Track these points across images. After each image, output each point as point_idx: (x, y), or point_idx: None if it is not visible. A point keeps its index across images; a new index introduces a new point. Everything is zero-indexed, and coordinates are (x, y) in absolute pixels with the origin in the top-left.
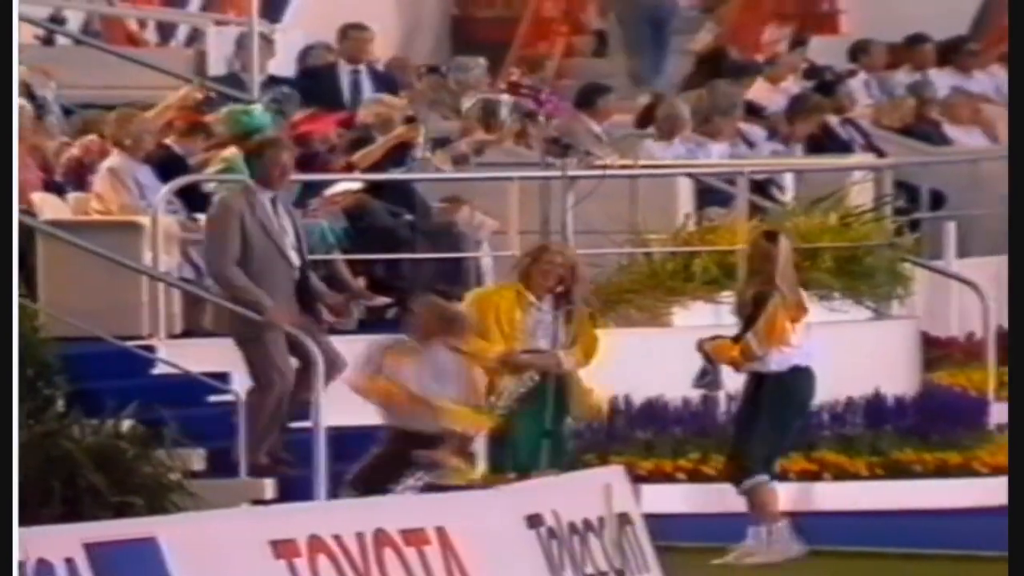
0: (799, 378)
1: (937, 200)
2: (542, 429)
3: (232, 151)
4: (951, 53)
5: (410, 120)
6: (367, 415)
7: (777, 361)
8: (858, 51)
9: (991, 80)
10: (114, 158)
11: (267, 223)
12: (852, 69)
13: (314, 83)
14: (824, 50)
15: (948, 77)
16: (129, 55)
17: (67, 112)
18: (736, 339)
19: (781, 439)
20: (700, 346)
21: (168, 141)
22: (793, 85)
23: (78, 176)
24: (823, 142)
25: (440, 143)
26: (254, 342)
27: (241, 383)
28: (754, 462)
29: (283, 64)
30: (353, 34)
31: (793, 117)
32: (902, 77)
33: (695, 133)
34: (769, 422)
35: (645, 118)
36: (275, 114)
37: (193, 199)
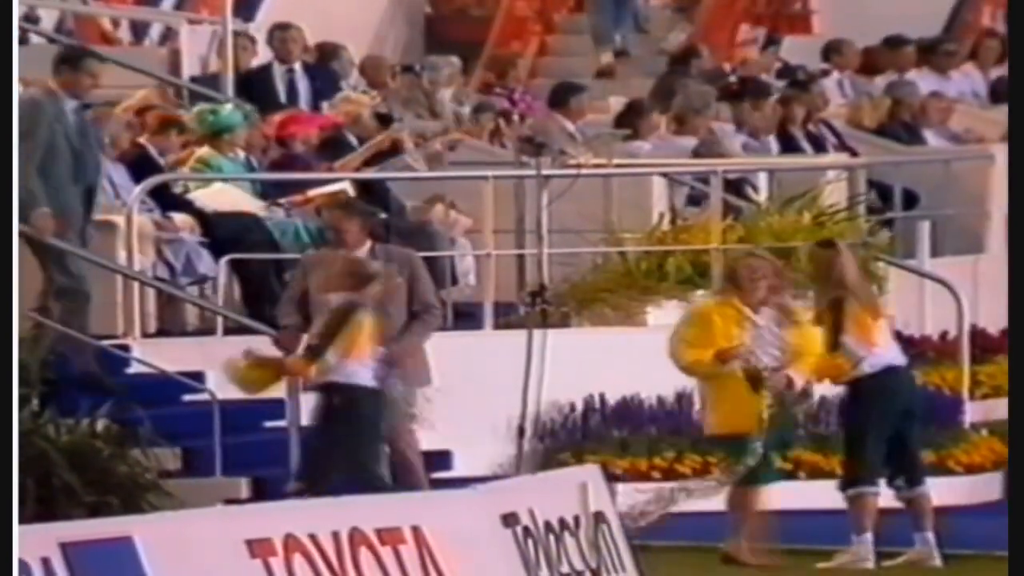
0: (897, 378)
1: (910, 200)
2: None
3: (207, 150)
4: (928, 54)
5: (382, 118)
6: None
7: (870, 363)
8: (831, 51)
9: (967, 80)
10: None
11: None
12: (825, 69)
13: (250, 85)
14: (797, 50)
15: (925, 78)
16: (102, 54)
17: None
18: (832, 349)
19: (888, 442)
20: (786, 383)
21: (142, 140)
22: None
23: None
24: (794, 141)
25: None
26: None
27: (217, 383)
28: (867, 470)
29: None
30: (279, 34)
31: (756, 104)
32: (880, 81)
33: (668, 132)
34: (875, 427)
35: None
36: (247, 113)
37: (167, 198)
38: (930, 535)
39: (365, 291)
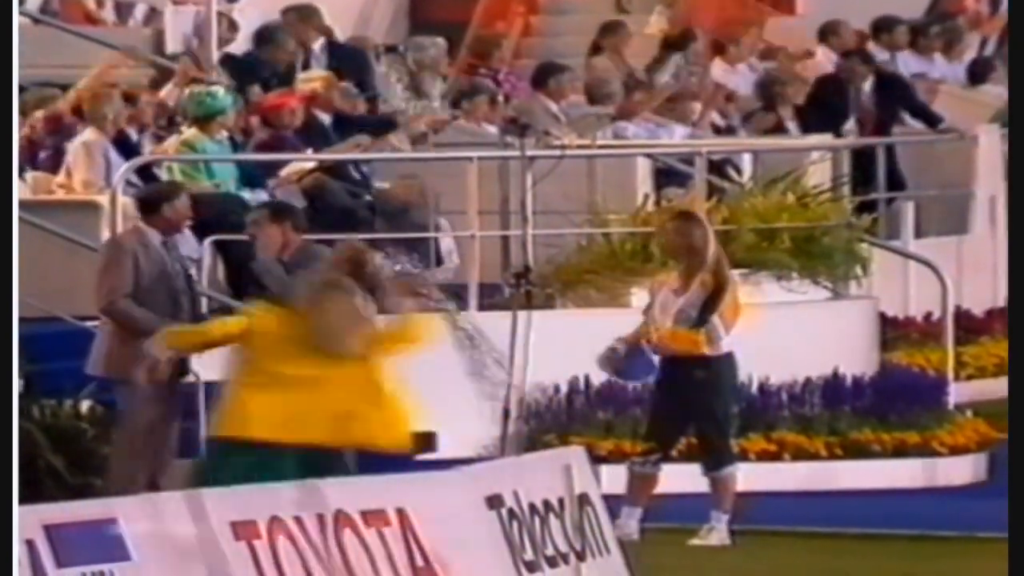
0: (732, 363)
1: (894, 181)
2: None
3: (192, 133)
4: (913, 36)
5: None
6: None
7: (725, 345)
8: (827, 32)
9: (948, 64)
10: (89, 133)
11: (161, 264)
12: (808, 51)
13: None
14: (780, 31)
15: (909, 60)
16: (87, 34)
17: (22, 90)
18: (698, 324)
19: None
20: (643, 337)
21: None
22: (752, 66)
23: (30, 154)
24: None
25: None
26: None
27: (201, 364)
28: (729, 450)
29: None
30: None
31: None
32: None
33: (657, 115)
34: (725, 407)
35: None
36: (235, 94)
37: (152, 180)
38: (725, 516)
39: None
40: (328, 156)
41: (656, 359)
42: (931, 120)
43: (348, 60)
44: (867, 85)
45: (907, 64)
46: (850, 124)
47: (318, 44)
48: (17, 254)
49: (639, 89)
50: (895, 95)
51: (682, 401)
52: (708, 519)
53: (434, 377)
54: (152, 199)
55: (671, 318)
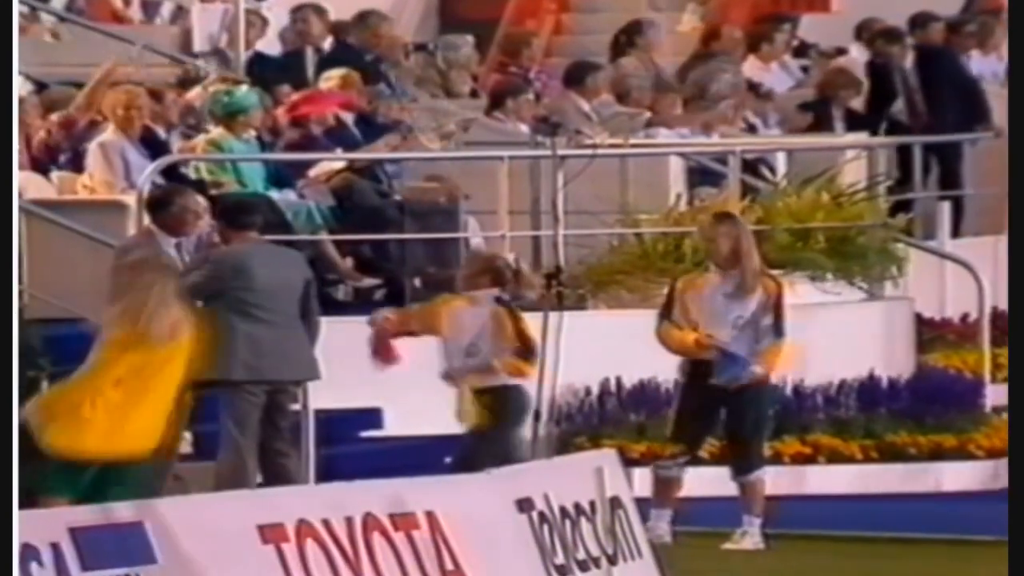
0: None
1: (949, 180)
2: None
3: (219, 132)
4: (949, 34)
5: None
6: (357, 399)
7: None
8: (862, 30)
9: (987, 62)
10: (107, 134)
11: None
12: (841, 48)
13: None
14: (815, 28)
15: None
16: (113, 32)
17: (44, 88)
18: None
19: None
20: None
21: (147, 122)
22: (786, 63)
23: (49, 154)
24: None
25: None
26: None
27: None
28: (759, 455)
29: (271, 41)
30: (299, 15)
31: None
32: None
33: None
34: (759, 412)
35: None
36: (261, 94)
37: (179, 180)
38: (758, 520)
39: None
40: (357, 156)
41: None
42: (978, 101)
43: (358, 59)
44: (908, 63)
45: None
46: (899, 105)
47: (327, 43)
48: (17, 255)
49: (668, 91)
50: (941, 69)
51: (709, 402)
52: (741, 523)
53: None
54: (161, 200)
55: (728, 325)
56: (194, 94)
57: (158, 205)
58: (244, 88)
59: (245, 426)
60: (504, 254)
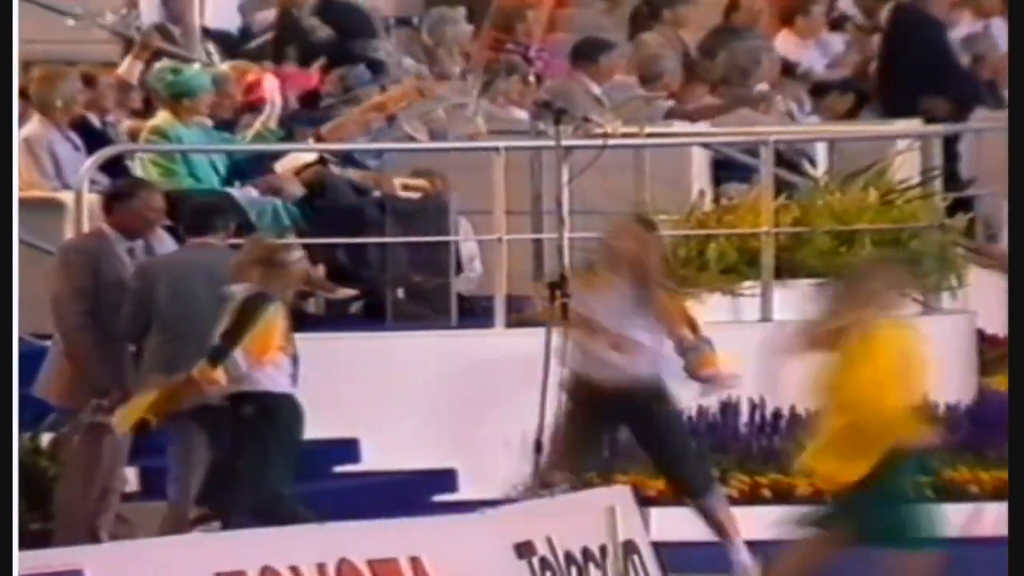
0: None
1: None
2: None
3: (163, 118)
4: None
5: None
6: (330, 428)
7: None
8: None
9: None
10: (30, 126)
11: (124, 272)
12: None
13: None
14: None
15: (1003, 30)
16: (55, 5)
17: None
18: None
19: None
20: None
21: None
22: (825, 38)
23: None
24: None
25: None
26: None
27: None
28: (700, 478)
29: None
30: None
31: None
32: (962, 28)
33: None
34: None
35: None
36: (216, 76)
37: (119, 174)
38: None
39: (278, 281)
40: (331, 147)
41: None
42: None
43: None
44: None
45: (1003, 33)
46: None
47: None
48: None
49: (698, 75)
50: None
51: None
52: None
53: (452, 406)
54: (121, 194)
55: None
56: (124, 69)
57: (116, 200)
58: (195, 67)
59: (194, 461)
60: (500, 256)
